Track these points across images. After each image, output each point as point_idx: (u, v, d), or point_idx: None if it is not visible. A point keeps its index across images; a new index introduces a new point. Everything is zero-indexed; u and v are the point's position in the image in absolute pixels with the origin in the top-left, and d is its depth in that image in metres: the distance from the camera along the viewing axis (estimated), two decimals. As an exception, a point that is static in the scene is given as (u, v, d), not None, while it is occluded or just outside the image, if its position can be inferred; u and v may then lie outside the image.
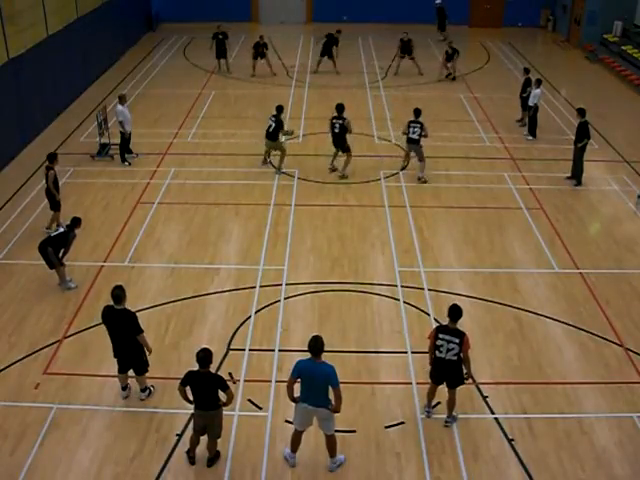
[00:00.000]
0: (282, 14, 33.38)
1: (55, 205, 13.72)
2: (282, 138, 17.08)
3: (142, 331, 9.22)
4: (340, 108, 16.19)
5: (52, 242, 11.80)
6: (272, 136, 16.34)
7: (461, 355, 8.78)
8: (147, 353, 9.42)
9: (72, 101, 21.76)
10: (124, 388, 9.66)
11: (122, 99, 17.07)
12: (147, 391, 9.66)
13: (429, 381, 9.37)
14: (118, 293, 9.20)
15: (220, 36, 24.88)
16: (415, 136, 15.96)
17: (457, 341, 8.71)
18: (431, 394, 9.31)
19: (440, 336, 8.81)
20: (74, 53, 21.97)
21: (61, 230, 11.92)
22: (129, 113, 17.15)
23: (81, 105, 21.56)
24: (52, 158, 13.79)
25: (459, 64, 25.36)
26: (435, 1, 25.75)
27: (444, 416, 9.26)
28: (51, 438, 9.02)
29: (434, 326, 11.19)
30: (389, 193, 15.80)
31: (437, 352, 8.87)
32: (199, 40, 29.90)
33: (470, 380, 9.40)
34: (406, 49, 24.77)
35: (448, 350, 8.76)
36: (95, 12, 24.27)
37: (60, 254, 11.90)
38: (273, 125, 16.19)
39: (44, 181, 13.75)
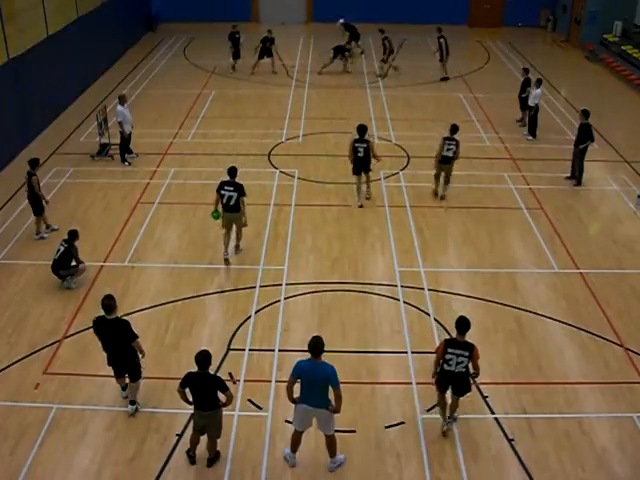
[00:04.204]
0: (282, 14, 33.39)
1: (40, 210, 13.66)
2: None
3: (137, 337, 9.10)
4: (363, 130, 14.83)
5: (60, 263, 12.00)
6: (234, 207, 12.61)
7: (469, 366, 8.66)
8: (141, 356, 9.28)
9: (72, 101, 21.77)
10: (124, 388, 9.62)
11: (122, 99, 17.07)
12: (135, 406, 9.44)
13: (429, 380, 9.35)
14: (108, 303, 9.00)
15: (237, 35, 24.81)
16: (450, 154, 15.03)
17: (467, 354, 8.58)
18: (442, 406, 9.09)
19: (449, 350, 8.63)
20: (74, 53, 21.95)
21: (62, 249, 11.98)
22: (129, 113, 17.15)
23: (81, 105, 21.56)
24: (35, 163, 13.65)
25: (459, 64, 25.43)
26: (340, 21, 26.04)
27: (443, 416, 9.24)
28: (51, 438, 9.02)
29: (436, 331, 11.23)
30: (389, 193, 15.79)
31: (446, 365, 8.69)
32: (199, 40, 29.93)
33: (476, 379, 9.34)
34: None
35: (457, 363, 8.62)
36: (95, 12, 24.27)
37: (72, 264, 12.06)
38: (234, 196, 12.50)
39: (26, 187, 13.66)
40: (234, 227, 12.89)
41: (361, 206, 14.99)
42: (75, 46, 22.02)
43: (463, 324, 8.68)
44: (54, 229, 13.89)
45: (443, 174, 15.31)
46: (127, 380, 9.50)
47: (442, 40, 24.15)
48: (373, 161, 15.04)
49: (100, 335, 9.18)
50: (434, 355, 8.99)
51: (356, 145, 14.67)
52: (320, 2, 33.18)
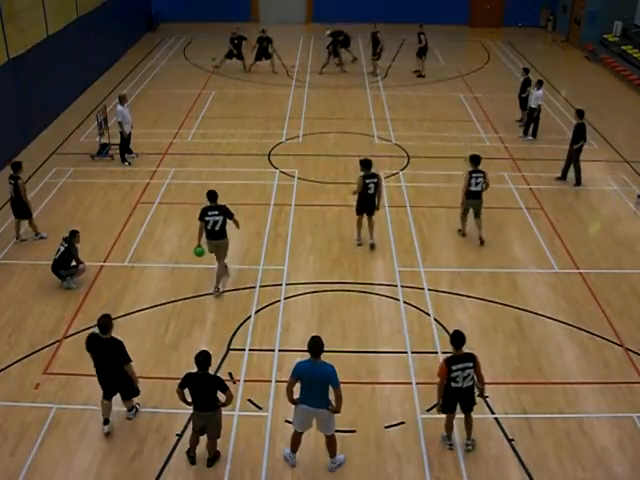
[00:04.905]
0: (282, 14, 33.41)
1: (28, 213, 13.50)
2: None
3: (130, 360, 8.84)
4: (369, 164, 13.21)
5: (60, 263, 11.98)
6: (219, 234, 11.85)
7: (475, 377, 8.49)
8: (135, 384, 9.02)
9: (72, 101, 21.77)
10: (106, 422, 9.06)
11: (122, 99, 17.06)
12: (134, 410, 9.33)
13: (429, 380, 9.35)
14: (104, 322, 8.71)
15: (235, 41, 24.80)
16: (479, 188, 13.42)
17: (471, 365, 8.40)
18: (450, 425, 8.90)
19: (453, 368, 8.38)
20: (74, 53, 21.97)
21: (62, 249, 11.96)
22: (129, 113, 17.14)
23: (81, 105, 21.56)
24: (18, 167, 13.38)
25: (459, 64, 25.44)
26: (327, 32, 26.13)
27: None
28: (51, 438, 9.02)
29: (436, 331, 11.23)
30: (389, 193, 15.78)
31: (452, 383, 8.43)
32: (199, 40, 29.93)
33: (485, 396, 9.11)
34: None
35: (464, 377, 8.42)
36: (95, 12, 24.27)
37: (72, 264, 12.03)
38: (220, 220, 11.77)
39: (12, 192, 13.33)
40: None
41: (360, 244, 13.56)
42: (75, 46, 22.03)
43: (459, 338, 8.43)
44: (23, 239, 13.63)
45: (472, 211, 13.73)
46: (111, 412, 9.13)
47: (423, 36, 24.51)
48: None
49: (93, 353, 8.87)
50: (437, 380, 8.61)
51: (367, 182, 12.99)
52: (320, 2, 33.20)
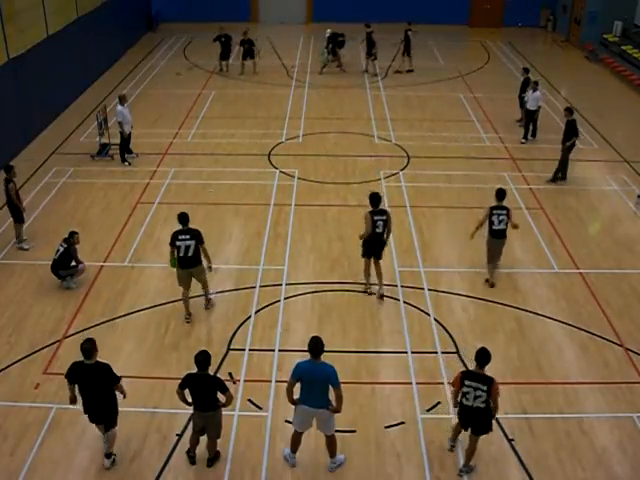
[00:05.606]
0: (282, 14, 33.43)
1: (20, 217, 13.36)
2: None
3: (120, 379, 8.36)
4: (378, 200, 11.84)
5: (59, 264, 11.98)
6: (193, 261, 11.15)
7: (490, 401, 8.13)
8: (122, 397, 8.51)
9: (72, 101, 21.77)
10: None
11: (122, 99, 17.05)
12: (112, 458, 8.64)
13: (429, 380, 9.34)
14: (88, 347, 8.14)
15: (223, 39, 24.93)
16: (502, 226, 12.05)
17: (485, 388, 8.03)
18: (456, 432, 8.80)
19: (466, 382, 8.12)
20: (74, 53, 21.97)
21: (61, 250, 11.95)
22: (129, 113, 17.13)
23: (81, 105, 21.56)
24: (8, 170, 13.30)
25: (459, 64, 25.45)
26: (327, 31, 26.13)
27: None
28: (51, 438, 9.02)
29: (436, 331, 11.24)
30: (389, 193, 15.78)
31: (464, 399, 8.18)
32: (199, 40, 29.92)
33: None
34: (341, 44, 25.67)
35: (475, 397, 8.10)
36: (95, 12, 24.26)
37: (72, 264, 12.02)
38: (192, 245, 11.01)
39: (4, 194, 13.27)
40: (193, 283, 11.37)
41: (371, 293, 12.16)
42: (75, 46, 22.03)
43: (483, 357, 8.11)
44: (24, 248, 13.41)
45: (492, 252, 12.35)
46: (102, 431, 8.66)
47: (410, 33, 24.79)
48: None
49: (78, 382, 8.25)
50: (452, 388, 8.54)
51: (375, 218, 11.64)
52: (320, 2, 33.19)
